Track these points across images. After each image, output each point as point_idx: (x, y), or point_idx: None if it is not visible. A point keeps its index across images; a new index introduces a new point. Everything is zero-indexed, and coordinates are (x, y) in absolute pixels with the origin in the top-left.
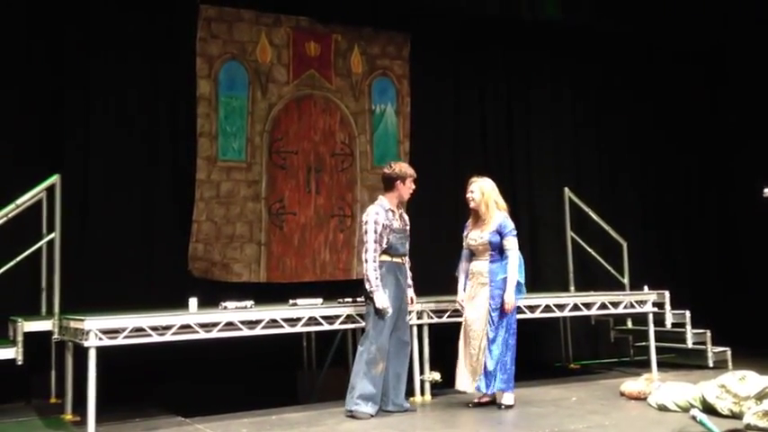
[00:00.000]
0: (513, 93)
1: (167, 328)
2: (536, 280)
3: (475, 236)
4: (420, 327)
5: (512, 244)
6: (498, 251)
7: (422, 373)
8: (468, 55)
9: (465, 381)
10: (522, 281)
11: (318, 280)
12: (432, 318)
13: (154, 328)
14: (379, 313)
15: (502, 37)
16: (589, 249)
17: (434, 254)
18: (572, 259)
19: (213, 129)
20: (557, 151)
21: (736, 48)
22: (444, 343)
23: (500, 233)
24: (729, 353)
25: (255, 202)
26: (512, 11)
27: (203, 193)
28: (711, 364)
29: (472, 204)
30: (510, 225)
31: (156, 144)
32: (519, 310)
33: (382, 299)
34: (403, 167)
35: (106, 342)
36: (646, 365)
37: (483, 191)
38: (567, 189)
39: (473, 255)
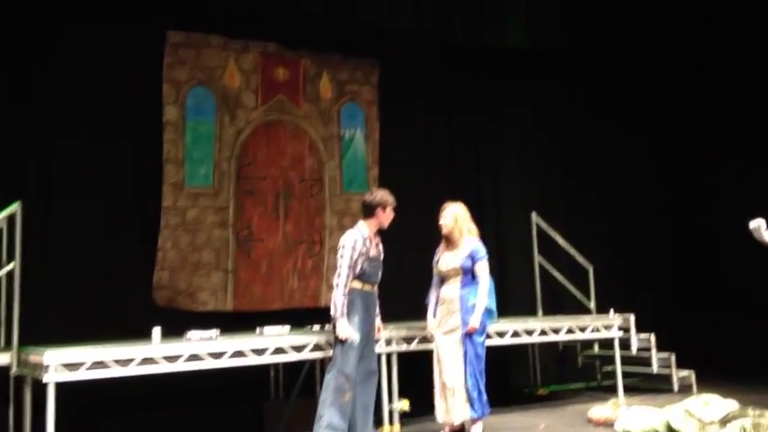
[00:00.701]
0: (480, 118)
1: (130, 360)
2: (504, 305)
3: (446, 261)
4: (389, 354)
5: (483, 269)
6: (470, 276)
7: (390, 401)
8: (436, 81)
9: (440, 411)
10: (494, 306)
11: (287, 308)
12: (401, 345)
13: (116, 361)
14: (345, 341)
15: (469, 62)
16: (556, 274)
17: (403, 280)
18: (539, 284)
19: (180, 155)
20: (524, 176)
21: (705, 70)
22: (414, 371)
23: (472, 258)
24: (694, 376)
25: (223, 228)
26: (478, 38)
27: (169, 221)
28: (676, 389)
29: (444, 230)
30: (482, 250)
31: (121, 171)
32: (488, 336)
33: (345, 327)
34: (384, 195)
35: (66, 376)
36: (613, 390)
37: (455, 216)
38: (534, 214)
39: (443, 281)
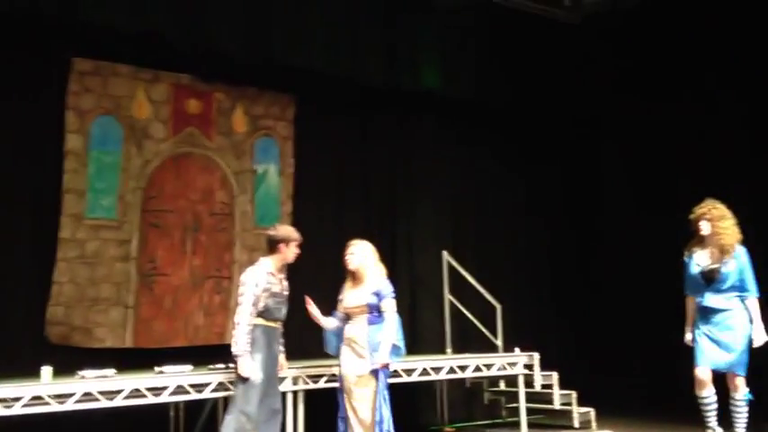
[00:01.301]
0: (395, 157)
1: (16, 399)
2: (414, 342)
3: (351, 298)
4: (295, 393)
5: (390, 306)
6: (376, 313)
7: None
8: (353, 119)
9: None
10: (401, 344)
11: (191, 345)
12: (307, 383)
13: (1, 400)
14: (246, 380)
15: (385, 102)
16: (465, 312)
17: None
18: (449, 321)
19: (81, 185)
20: (437, 215)
21: (607, 118)
22: (320, 410)
23: (378, 295)
24: (593, 414)
25: (125, 262)
26: (394, 80)
27: (66, 253)
28: (577, 425)
29: (351, 266)
30: (389, 287)
31: (17, 201)
32: (396, 373)
33: (248, 366)
34: (288, 230)
35: None
36: (517, 426)
37: (363, 253)
38: (445, 252)
39: (348, 318)
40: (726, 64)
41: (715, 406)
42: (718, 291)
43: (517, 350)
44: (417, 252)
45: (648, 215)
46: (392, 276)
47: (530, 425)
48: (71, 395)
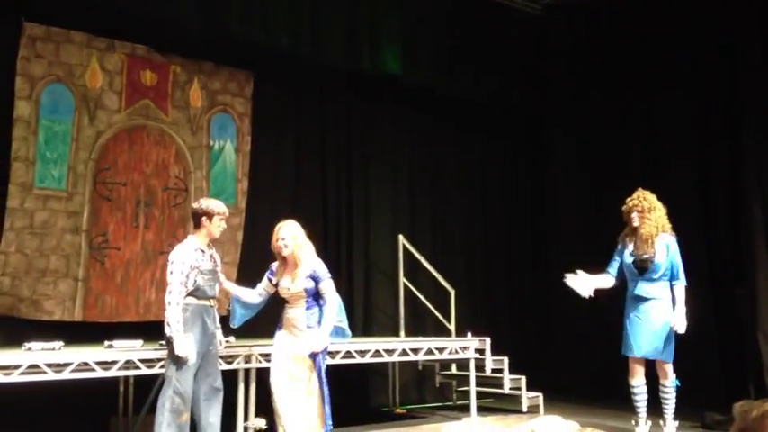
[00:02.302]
0: (353, 139)
1: None
2: (368, 324)
3: (287, 284)
4: (246, 371)
5: (329, 288)
6: (314, 297)
7: (246, 419)
8: (310, 99)
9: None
10: (345, 324)
11: (142, 320)
12: (260, 362)
13: None
14: (179, 360)
15: (344, 84)
16: (420, 296)
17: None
18: (404, 305)
19: (30, 154)
20: (393, 198)
21: (565, 108)
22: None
23: (315, 279)
24: (541, 398)
25: (75, 234)
26: (354, 62)
27: (14, 223)
28: (525, 409)
29: (285, 252)
30: (324, 268)
31: None
32: (348, 354)
33: (183, 345)
34: (211, 204)
35: None
36: (467, 409)
37: (294, 236)
38: (401, 236)
39: (286, 302)
40: (684, 57)
41: (644, 396)
42: (650, 280)
43: (469, 335)
44: (373, 235)
45: (601, 203)
46: (348, 259)
47: (479, 408)
48: (17, 367)
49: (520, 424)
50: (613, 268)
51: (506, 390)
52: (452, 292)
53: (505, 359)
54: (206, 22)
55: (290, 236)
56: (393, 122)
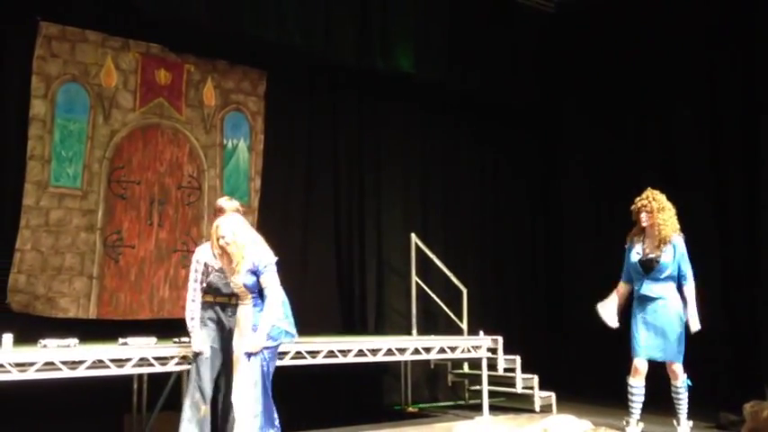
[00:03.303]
0: (365, 137)
1: None
2: (380, 323)
3: (233, 281)
4: None
5: (269, 280)
6: (259, 292)
7: None
8: (322, 97)
9: None
10: (289, 324)
11: (155, 318)
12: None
13: None
14: (196, 355)
15: (356, 83)
16: (432, 294)
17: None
18: (416, 304)
19: (46, 152)
20: (405, 197)
21: (567, 110)
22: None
23: (255, 272)
24: (554, 397)
25: (89, 232)
26: (367, 61)
27: (30, 221)
28: (538, 408)
29: (228, 249)
30: (264, 259)
31: None
32: (361, 353)
33: (196, 340)
34: (219, 202)
35: None
36: (479, 408)
37: (233, 231)
38: (413, 235)
39: (238, 298)
40: (699, 57)
41: (641, 398)
42: (656, 279)
43: (481, 333)
44: (385, 234)
45: (615, 201)
46: (361, 258)
47: (492, 407)
48: (32, 364)
49: (532, 423)
50: (623, 275)
51: (519, 389)
52: (464, 290)
53: (518, 358)
54: (220, 21)
55: (230, 232)
56: (405, 121)
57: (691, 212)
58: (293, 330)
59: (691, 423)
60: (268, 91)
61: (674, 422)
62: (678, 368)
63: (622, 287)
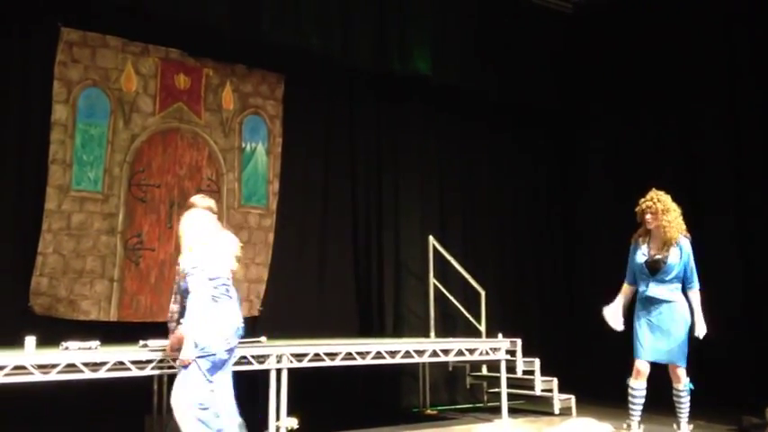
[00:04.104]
0: (382, 140)
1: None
2: (398, 326)
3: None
4: (278, 371)
5: (192, 285)
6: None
7: (278, 419)
8: (340, 100)
9: None
10: (205, 339)
11: None
12: (291, 362)
13: None
14: None
15: (374, 86)
16: (450, 297)
17: (298, 297)
18: (434, 306)
19: (68, 156)
20: (423, 200)
21: (595, 107)
22: (304, 388)
23: (186, 275)
24: (574, 400)
25: (110, 235)
26: (384, 63)
27: (51, 224)
28: (557, 411)
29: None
30: (194, 261)
31: (2, 171)
32: (379, 355)
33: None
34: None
35: None
36: (498, 411)
37: (182, 229)
38: (431, 237)
39: None
40: (719, 57)
41: (642, 400)
42: (662, 281)
43: (500, 336)
44: (403, 236)
45: (633, 203)
46: (379, 261)
47: (510, 410)
48: (55, 366)
49: (552, 426)
50: (628, 277)
51: (538, 392)
52: (483, 292)
53: (537, 361)
54: (238, 25)
55: (181, 229)
56: (422, 123)
57: (712, 211)
58: (210, 349)
59: (691, 426)
60: (286, 94)
61: (675, 426)
62: (682, 371)
63: (627, 289)
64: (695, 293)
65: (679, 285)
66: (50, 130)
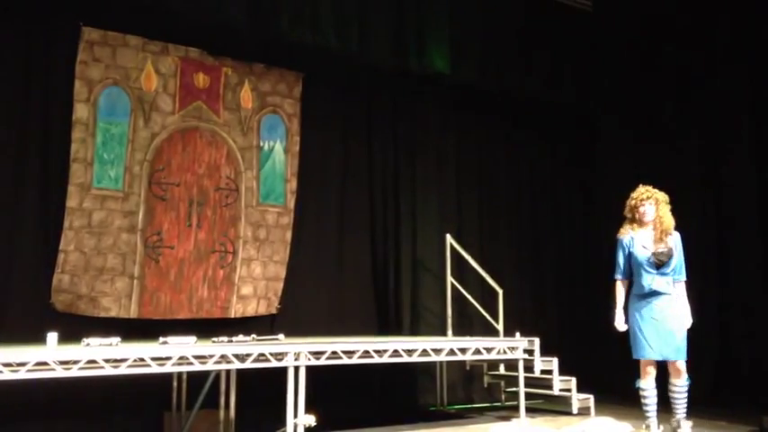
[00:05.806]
0: (400, 139)
1: (22, 364)
2: (415, 324)
3: None
4: (296, 368)
5: None
6: None
7: (296, 416)
8: (357, 99)
9: None
10: None
11: (194, 317)
12: (309, 359)
13: (6, 365)
14: None
15: (392, 84)
16: (467, 295)
17: (315, 295)
18: (451, 305)
19: (89, 155)
20: (441, 198)
21: (605, 109)
22: (321, 386)
23: None
24: (592, 400)
25: (131, 233)
26: (401, 61)
27: (73, 222)
28: (576, 411)
29: None
30: None
31: (24, 169)
32: (396, 353)
33: None
34: None
35: None
36: (516, 410)
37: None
38: (448, 236)
39: None
40: (736, 51)
41: (655, 399)
42: (664, 274)
43: (518, 335)
44: (420, 234)
45: None
46: (396, 258)
47: (528, 409)
48: (76, 362)
49: (571, 426)
50: (622, 272)
51: (556, 391)
52: (500, 291)
53: (555, 360)
54: (256, 24)
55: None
56: (440, 121)
57: (732, 211)
58: None
59: (690, 423)
60: (304, 93)
61: (673, 422)
62: (683, 366)
63: (622, 285)
64: (682, 285)
65: (674, 277)
66: (72, 129)
